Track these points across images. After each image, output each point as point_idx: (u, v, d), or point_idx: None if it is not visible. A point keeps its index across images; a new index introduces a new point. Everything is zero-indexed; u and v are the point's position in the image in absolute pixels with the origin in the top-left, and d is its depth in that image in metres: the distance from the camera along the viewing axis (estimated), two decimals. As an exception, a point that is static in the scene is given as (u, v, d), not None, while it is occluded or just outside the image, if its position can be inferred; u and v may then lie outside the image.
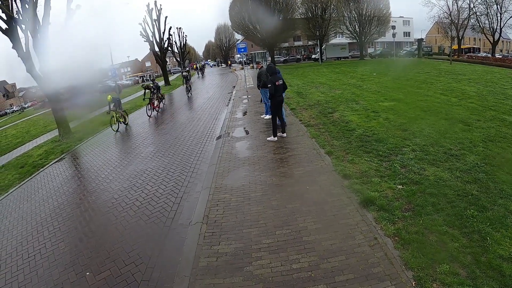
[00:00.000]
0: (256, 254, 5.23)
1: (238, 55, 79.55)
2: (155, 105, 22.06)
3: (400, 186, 6.82)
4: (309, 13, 57.64)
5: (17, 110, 77.51)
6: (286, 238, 5.51)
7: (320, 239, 5.35)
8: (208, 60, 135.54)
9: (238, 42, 59.28)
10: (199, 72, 60.06)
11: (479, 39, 73.38)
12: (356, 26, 60.56)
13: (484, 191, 6.38)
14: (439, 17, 56.63)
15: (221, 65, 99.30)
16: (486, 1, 51.74)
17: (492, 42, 54.20)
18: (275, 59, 62.92)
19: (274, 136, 11.11)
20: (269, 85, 10.56)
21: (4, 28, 15.83)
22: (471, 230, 5.13)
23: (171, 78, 59.82)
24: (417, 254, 4.72)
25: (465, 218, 5.45)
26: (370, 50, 73.69)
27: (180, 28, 74.50)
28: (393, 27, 53.64)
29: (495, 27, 53.14)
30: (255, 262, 5.05)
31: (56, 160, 13.92)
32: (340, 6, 58.58)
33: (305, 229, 5.67)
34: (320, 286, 4.40)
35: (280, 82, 10.72)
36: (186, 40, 73.59)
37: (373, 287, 4.27)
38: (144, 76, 75.80)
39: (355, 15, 59.78)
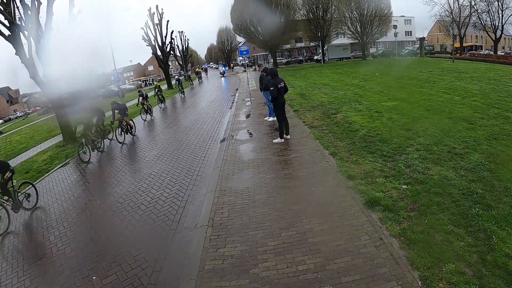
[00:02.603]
0: (262, 256, 5.23)
1: (241, 58, 79.63)
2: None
3: (404, 186, 6.81)
4: (310, 14, 57.68)
5: (21, 116, 77.82)
6: (291, 240, 5.50)
7: (325, 240, 5.34)
8: (211, 63, 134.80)
9: (240, 44, 59.29)
10: (198, 77, 56.45)
11: (481, 37, 73.24)
12: (358, 26, 60.40)
13: (489, 189, 6.35)
14: (440, 15, 56.69)
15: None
16: (487, -2, 51.68)
17: (494, 39, 54.05)
18: (277, 61, 62.96)
19: (280, 138, 11.11)
20: (271, 88, 10.55)
21: (7, 34, 15.93)
22: (477, 229, 5.11)
23: (174, 82, 60.06)
24: (423, 254, 4.70)
25: (470, 217, 5.42)
26: (372, 50, 73.54)
27: (182, 31, 74.45)
28: (395, 27, 53.52)
29: (496, 24, 53.02)
30: (261, 264, 5.05)
31: (60, 165, 13.97)
32: (341, 6, 58.47)
33: (310, 231, 5.67)
34: (327, 288, 4.41)
35: (282, 84, 10.74)
36: (188, 43, 73.84)
37: (380, 288, 4.27)
38: (147, 80, 75.98)
39: (357, 15, 59.62)
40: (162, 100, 27.20)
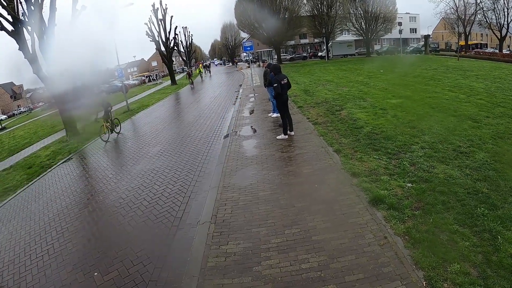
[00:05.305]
0: (265, 254, 5.20)
1: (244, 54, 79.40)
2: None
3: (409, 184, 6.75)
4: (315, 11, 57.52)
5: (25, 111, 77.95)
6: (295, 238, 5.46)
7: (329, 239, 5.30)
8: (215, 59, 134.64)
9: (244, 40, 59.19)
10: (206, 71, 60.75)
11: (486, 35, 72.71)
12: (362, 23, 60.21)
13: (494, 189, 6.30)
14: (445, 13, 56.32)
15: (227, 64, 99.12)
16: (493, -4, 51.34)
17: (499, 37, 53.70)
18: (282, 57, 62.84)
19: (284, 135, 11.06)
20: (275, 85, 10.48)
21: (10, 30, 15.91)
22: (482, 229, 5.06)
23: (178, 77, 60.25)
24: (427, 253, 4.65)
25: (476, 217, 5.37)
26: (376, 47, 73.29)
27: (185, 27, 74.49)
28: (400, 24, 53.44)
29: (502, 22, 52.68)
30: (264, 262, 5.02)
31: (63, 160, 13.99)
32: (346, 3, 58.24)
33: (314, 228, 5.63)
34: (330, 286, 4.36)
35: (285, 80, 10.67)
36: (192, 39, 73.80)
37: (384, 287, 4.22)
38: (151, 75, 75.97)
39: (361, 12, 59.44)
40: (112, 129, 16.86)
